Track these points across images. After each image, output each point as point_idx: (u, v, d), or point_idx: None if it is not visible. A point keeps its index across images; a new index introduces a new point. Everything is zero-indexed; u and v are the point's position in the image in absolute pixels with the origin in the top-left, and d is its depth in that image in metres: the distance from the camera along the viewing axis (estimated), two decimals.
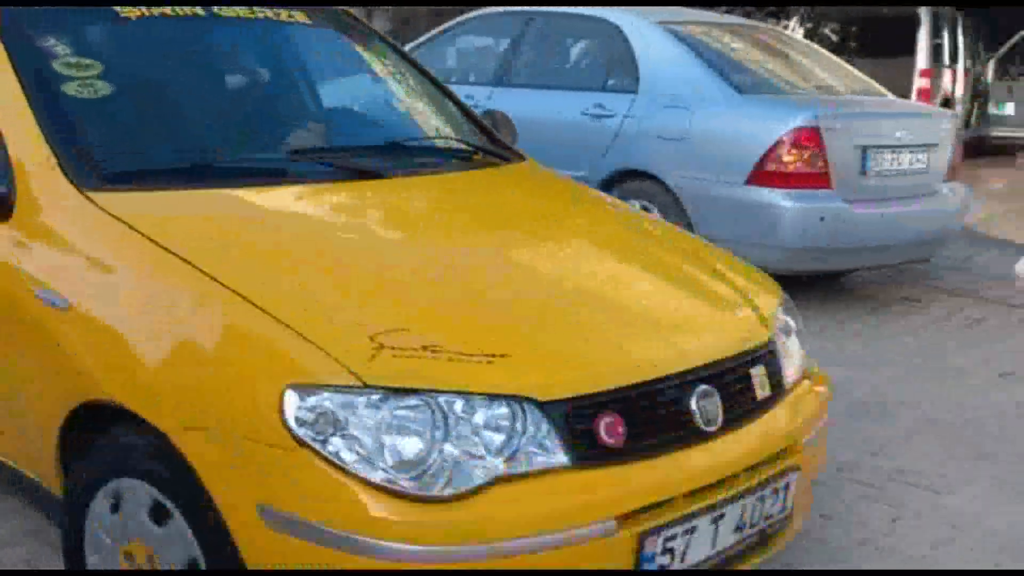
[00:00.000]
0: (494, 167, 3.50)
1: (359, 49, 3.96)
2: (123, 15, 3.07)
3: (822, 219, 5.49)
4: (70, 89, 2.77)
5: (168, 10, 3.20)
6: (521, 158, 3.62)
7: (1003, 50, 15.19)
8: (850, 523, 3.33)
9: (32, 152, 2.57)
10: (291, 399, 1.96)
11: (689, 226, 5.62)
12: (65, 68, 2.83)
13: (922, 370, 5.01)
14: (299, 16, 3.63)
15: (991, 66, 14.74)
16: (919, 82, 11.71)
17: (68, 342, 2.37)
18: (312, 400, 1.96)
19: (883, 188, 5.84)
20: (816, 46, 7.43)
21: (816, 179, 5.49)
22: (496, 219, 3.16)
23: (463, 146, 3.58)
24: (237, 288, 2.18)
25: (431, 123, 3.76)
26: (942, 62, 12.83)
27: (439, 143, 3.61)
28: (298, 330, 2.06)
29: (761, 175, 5.48)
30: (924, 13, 12.38)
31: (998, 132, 14.60)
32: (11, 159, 2.57)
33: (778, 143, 5.43)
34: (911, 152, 5.94)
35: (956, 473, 3.76)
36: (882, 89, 7.00)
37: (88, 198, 2.47)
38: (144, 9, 3.11)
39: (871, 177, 5.75)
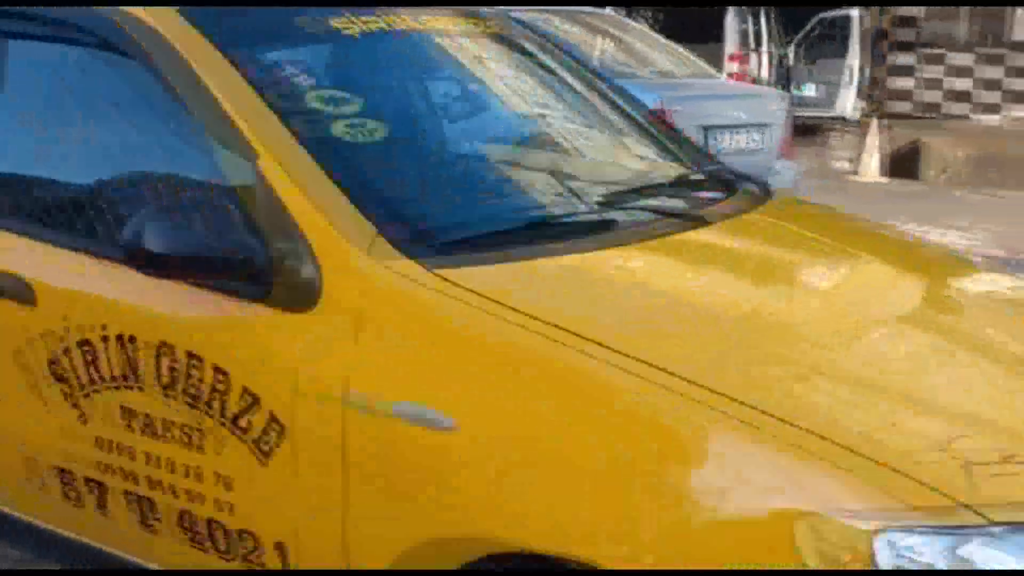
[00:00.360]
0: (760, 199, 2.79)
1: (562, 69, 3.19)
2: (344, 31, 2.46)
3: None
4: (339, 131, 2.21)
5: (386, 21, 2.56)
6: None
7: (802, 34, 15.97)
8: None
9: (336, 217, 1.97)
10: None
11: None
12: (320, 102, 2.28)
13: None
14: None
15: (792, 49, 15.45)
16: (729, 66, 12.20)
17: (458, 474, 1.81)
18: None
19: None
20: (652, 32, 7.68)
21: None
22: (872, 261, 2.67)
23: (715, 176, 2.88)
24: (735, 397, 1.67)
25: (669, 149, 3.03)
26: (749, 46, 13.42)
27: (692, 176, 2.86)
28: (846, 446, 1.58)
29: None
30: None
31: (801, 112, 15.29)
32: (301, 229, 1.96)
33: None
34: (748, 132, 6.20)
35: None
36: (714, 71, 7.30)
37: (439, 275, 1.90)
38: (362, 20, 2.49)
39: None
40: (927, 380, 1.97)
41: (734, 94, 6.81)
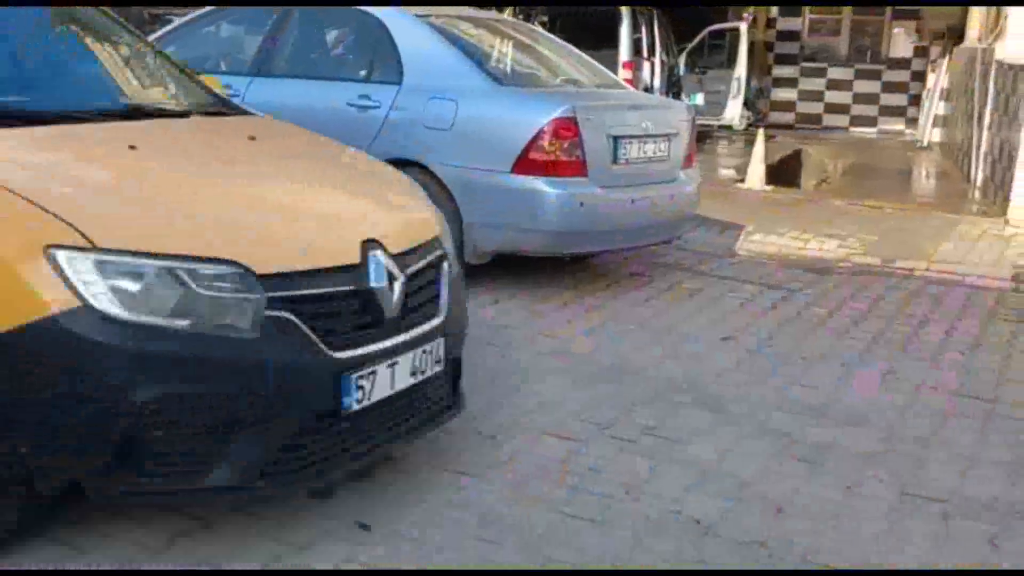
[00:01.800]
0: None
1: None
2: None
3: (581, 205, 5.73)
4: None
5: None
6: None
7: (691, 45, 16.43)
8: (616, 474, 3.67)
9: None
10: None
11: (457, 212, 5.80)
12: None
13: (657, 336, 5.42)
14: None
15: (683, 60, 15.88)
16: (622, 73, 12.32)
17: None
18: None
19: (632, 175, 6.11)
20: (561, 40, 7.67)
21: (575, 167, 5.71)
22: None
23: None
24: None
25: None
26: (642, 55, 13.74)
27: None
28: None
29: (525, 163, 5.65)
30: (624, 10, 13.20)
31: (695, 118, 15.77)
32: None
33: (540, 133, 5.61)
34: (655, 141, 6.22)
35: (696, 425, 4.18)
36: (622, 82, 7.43)
37: None
38: None
39: (621, 165, 6.01)
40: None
41: (642, 105, 6.71)
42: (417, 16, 6.48)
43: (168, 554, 2.93)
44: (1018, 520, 3.51)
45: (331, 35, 6.93)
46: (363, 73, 6.42)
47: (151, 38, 7.24)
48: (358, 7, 6.71)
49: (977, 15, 15.12)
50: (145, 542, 2.98)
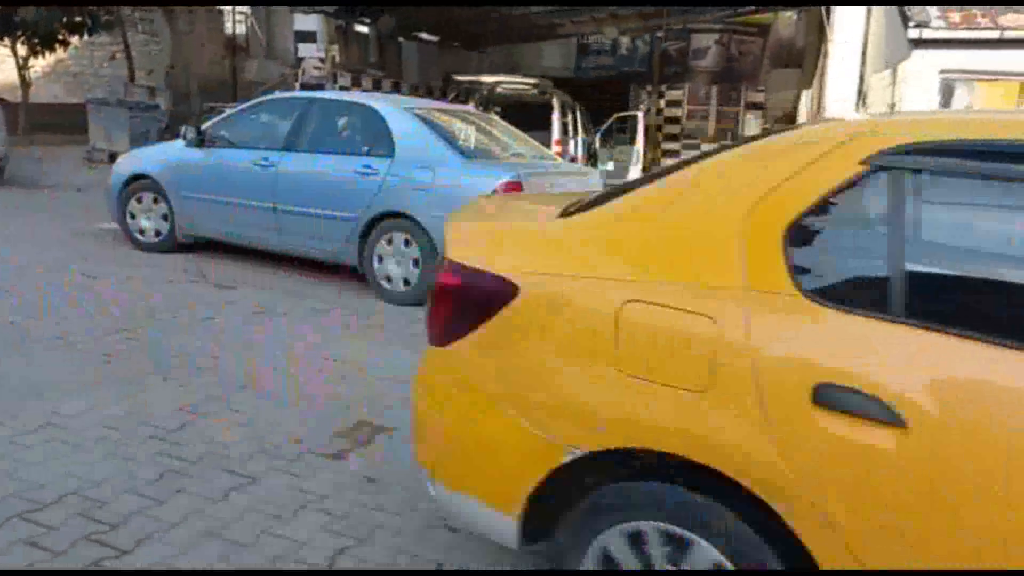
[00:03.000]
0: None
1: None
2: None
3: None
4: None
5: None
6: None
7: (604, 127, 16.70)
8: None
9: None
10: None
11: (436, 250, 5.74)
12: None
13: None
14: None
15: (598, 137, 16.14)
16: (554, 148, 12.57)
17: None
18: None
19: None
20: (508, 124, 7.73)
21: None
22: None
23: None
24: None
25: None
26: (568, 134, 13.98)
27: None
28: None
29: None
30: (555, 101, 13.46)
31: (606, 181, 15.97)
32: None
33: (495, 192, 5.54)
34: None
35: None
36: (552, 154, 7.50)
37: None
38: None
39: None
40: None
41: (568, 171, 6.86)
42: (405, 108, 6.49)
43: (224, 504, 2.90)
44: None
45: (342, 121, 6.91)
46: (365, 149, 6.38)
47: (207, 124, 7.26)
48: (361, 102, 6.75)
49: (805, 106, 15.49)
50: (208, 494, 2.95)
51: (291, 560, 2.58)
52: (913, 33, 8.61)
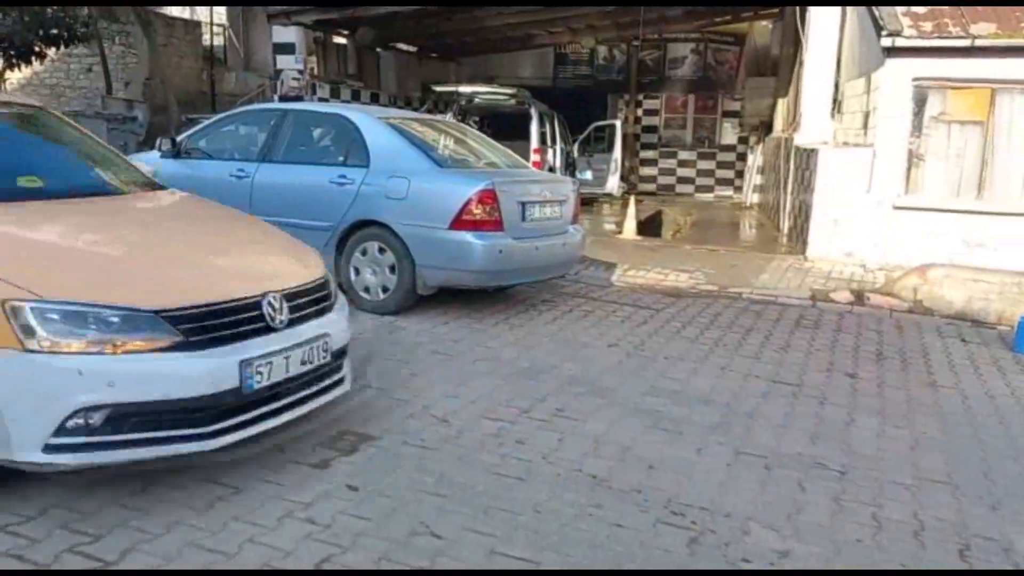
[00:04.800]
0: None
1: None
2: None
3: (500, 252, 5.76)
4: None
5: None
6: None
7: (582, 136, 16.75)
8: (535, 445, 3.70)
9: None
10: None
11: (411, 257, 5.83)
12: None
13: (561, 345, 5.46)
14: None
15: (576, 146, 16.18)
16: (533, 157, 12.55)
17: None
18: None
19: (535, 229, 6.14)
20: (481, 133, 7.73)
21: (494, 224, 5.74)
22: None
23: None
24: None
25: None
26: (546, 144, 13.97)
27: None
28: None
29: (459, 223, 5.67)
30: (533, 111, 13.47)
31: (582, 190, 15.96)
32: None
33: (469, 201, 5.65)
34: (551, 206, 6.31)
35: (591, 408, 4.24)
36: (528, 164, 7.49)
37: None
38: None
39: (528, 222, 6.05)
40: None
41: (541, 179, 6.81)
42: (379, 118, 6.49)
43: (209, 514, 2.88)
44: (817, 468, 3.61)
45: (317, 131, 6.89)
46: (341, 159, 6.37)
47: (183, 135, 7.21)
48: (336, 112, 6.73)
49: (781, 114, 15.60)
50: (192, 504, 2.93)
51: (276, 569, 2.56)
52: (886, 42, 8.71)
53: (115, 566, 2.52)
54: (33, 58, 15.14)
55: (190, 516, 2.85)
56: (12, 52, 14.98)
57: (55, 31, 14.23)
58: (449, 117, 11.08)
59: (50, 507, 2.85)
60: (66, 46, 14.62)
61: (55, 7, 13.93)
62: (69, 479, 2.99)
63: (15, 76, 17.50)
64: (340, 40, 19.08)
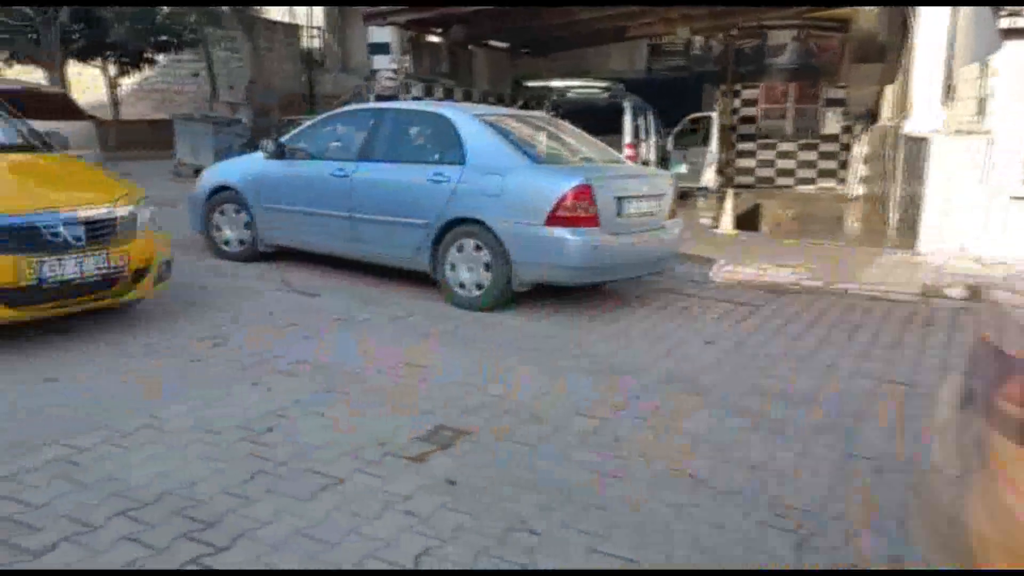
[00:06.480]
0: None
1: None
2: None
3: (595, 247, 5.74)
4: None
5: None
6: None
7: (676, 129, 16.46)
8: (632, 443, 3.72)
9: None
10: None
11: (506, 254, 5.87)
12: None
13: (656, 342, 5.41)
14: None
15: (670, 140, 15.90)
16: (626, 152, 12.42)
17: None
18: None
19: (631, 225, 6.10)
20: (577, 128, 7.71)
21: (590, 220, 5.72)
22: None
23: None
24: None
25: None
26: (640, 138, 13.77)
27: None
28: None
29: (554, 218, 5.68)
30: (626, 104, 13.31)
31: (678, 184, 15.75)
32: None
33: (564, 197, 5.65)
34: (647, 200, 6.25)
35: (689, 407, 4.17)
36: (624, 158, 7.42)
37: None
38: None
39: (623, 218, 6.01)
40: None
41: (638, 174, 6.67)
42: (474, 115, 6.55)
43: (312, 503, 2.98)
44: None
45: (413, 130, 7.02)
46: (437, 157, 6.47)
47: (285, 137, 7.46)
48: (432, 110, 6.84)
49: (889, 102, 15.00)
50: (297, 493, 3.03)
51: (377, 559, 2.64)
52: (1005, 22, 8.25)
53: (226, 552, 2.64)
54: (143, 64, 15.99)
55: (296, 506, 2.95)
56: (125, 59, 15.83)
57: (164, 37, 14.97)
58: (541, 113, 11.09)
59: (165, 494, 3.00)
60: (175, 52, 15.37)
61: (163, 13, 14.65)
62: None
63: (126, 82, 18.47)
64: (433, 39, 19.36)
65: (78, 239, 4.57)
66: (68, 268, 4.51)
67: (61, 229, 4.49)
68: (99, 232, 4.71)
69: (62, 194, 4.82)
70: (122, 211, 4.88)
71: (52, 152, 5.63)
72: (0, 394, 3.93)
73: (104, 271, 4.70)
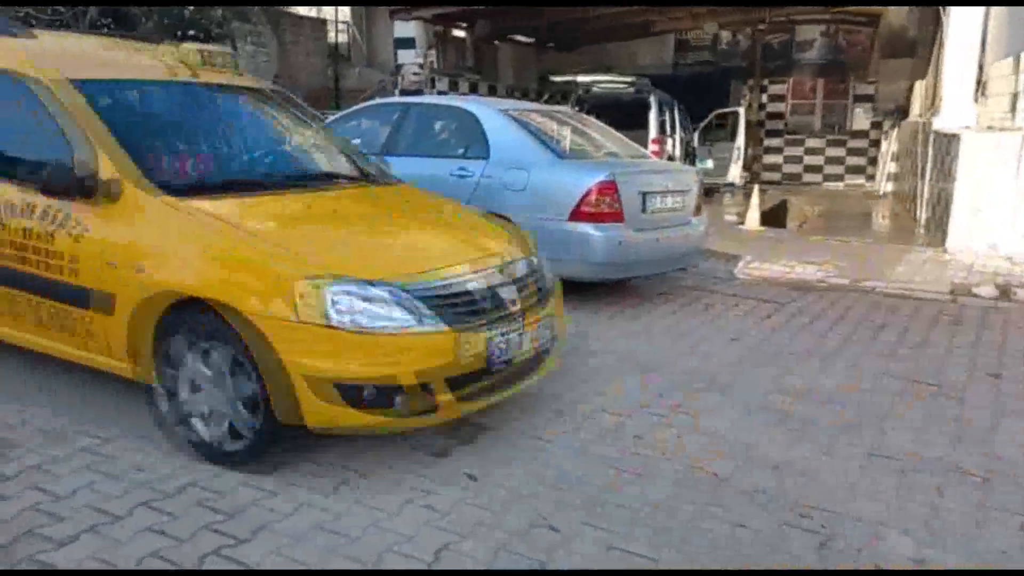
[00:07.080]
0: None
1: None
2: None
3: (620, 243, 5.74)
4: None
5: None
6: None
7: (703, 124, 16.33)
8: (654, 440, 3.67)
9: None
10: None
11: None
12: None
13: (679, 339, 5.38)
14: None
15: (696, 135, 15.76)
16: (651, 147, 12.33)
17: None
18: None
19: (656, 220, 6.09)
20: (602, 123, 7.68)
21: (614, 216, 5.72)
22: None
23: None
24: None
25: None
26: (665, 133, 13.67)
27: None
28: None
29: (578, 214, 5.68)
30: (652, 99, 13.22)
31: (703, 179, 15.63)
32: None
33: (588, 192, 5.65)
34: (673, 196, 6.23)
35: (711, 405, 4.16)
36: (649, 153, 7.37)
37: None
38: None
39: (648, 213, 6.01)
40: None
41: (663, 169, 6.69)
42: (500, 110, 6.54)
43: (334, 496, 3.01)
44: (956, 474, 3.43)
45: (438, 124, 7.02)
46: (461, 151, 6.47)
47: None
48: (457, 105, 6.84)
49: (919, 98, 14.79)
50: (319, 487, 3.06)
51: (397, 553, 2.65)
52: None
53: (247, 544, 2.66)
54: None
55: (317, 499, 2.98)
56: None
57: (192, 32, 15.09)
58: (566, 108, 11.06)
59: (187, 486, 3.03)
60: None
61: (191, 9, 14.78)
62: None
63: None
64: (459, 33, 19.37)
65: (513, 301, 3.45)
66: (513, 341, 3.38)
67: (502, 290, 3.42)
68: (529, 289, 3.63)
69: (469, 244, 3.74)
70: (537, 260, 3.88)
71: (389, 182, 4.61)
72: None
73: (543, 342, 3.64)
